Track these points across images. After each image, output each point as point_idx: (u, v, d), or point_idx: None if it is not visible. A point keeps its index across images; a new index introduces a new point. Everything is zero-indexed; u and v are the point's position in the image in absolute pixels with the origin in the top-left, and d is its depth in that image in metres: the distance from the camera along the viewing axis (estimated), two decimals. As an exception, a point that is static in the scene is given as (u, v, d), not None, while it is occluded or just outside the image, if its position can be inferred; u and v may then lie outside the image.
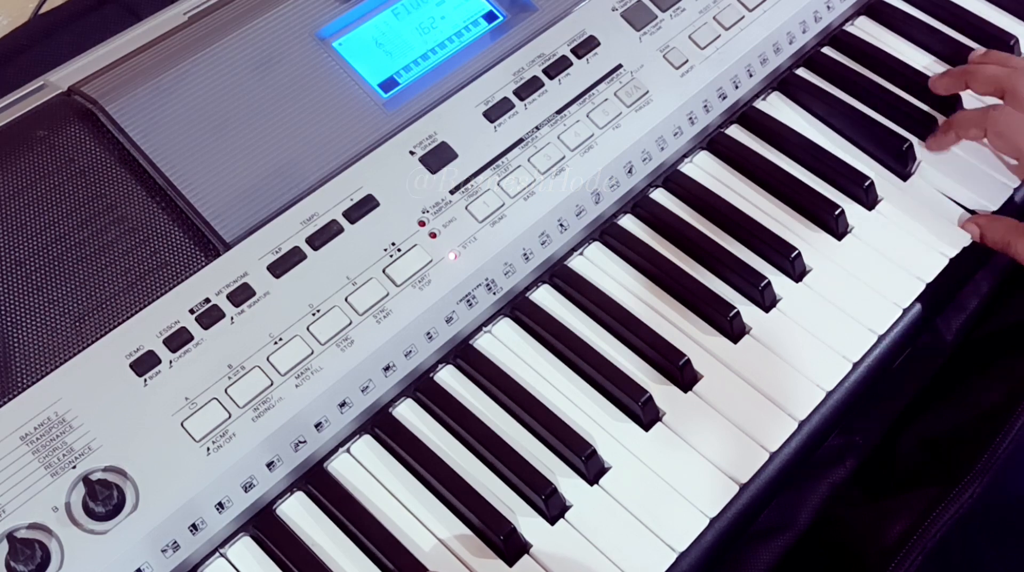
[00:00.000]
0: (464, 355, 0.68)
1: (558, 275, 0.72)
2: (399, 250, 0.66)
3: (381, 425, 0.65)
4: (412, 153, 0.69)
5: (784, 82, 0.83)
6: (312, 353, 0.62)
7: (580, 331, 0.69)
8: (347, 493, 0.63)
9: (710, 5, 0.79)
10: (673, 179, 0.77)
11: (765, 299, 0.71)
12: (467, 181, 0.69)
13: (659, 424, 0.66)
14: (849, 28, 0.87)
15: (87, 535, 0.56)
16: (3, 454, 0.56)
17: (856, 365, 0.69)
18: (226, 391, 0.60)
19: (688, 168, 0.78)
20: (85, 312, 0.61)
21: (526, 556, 0.61)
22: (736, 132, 0.80)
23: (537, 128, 0.72)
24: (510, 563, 0.61)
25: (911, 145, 0.78)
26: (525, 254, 0.69)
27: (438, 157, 0.69)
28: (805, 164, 0.78)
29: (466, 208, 0.68)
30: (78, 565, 0.55)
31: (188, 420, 0.59)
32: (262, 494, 0.61)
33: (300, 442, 0.62)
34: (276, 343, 0.62)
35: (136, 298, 0.62)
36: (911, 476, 0.70)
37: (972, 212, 0.76)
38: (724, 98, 0.78)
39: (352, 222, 0.66)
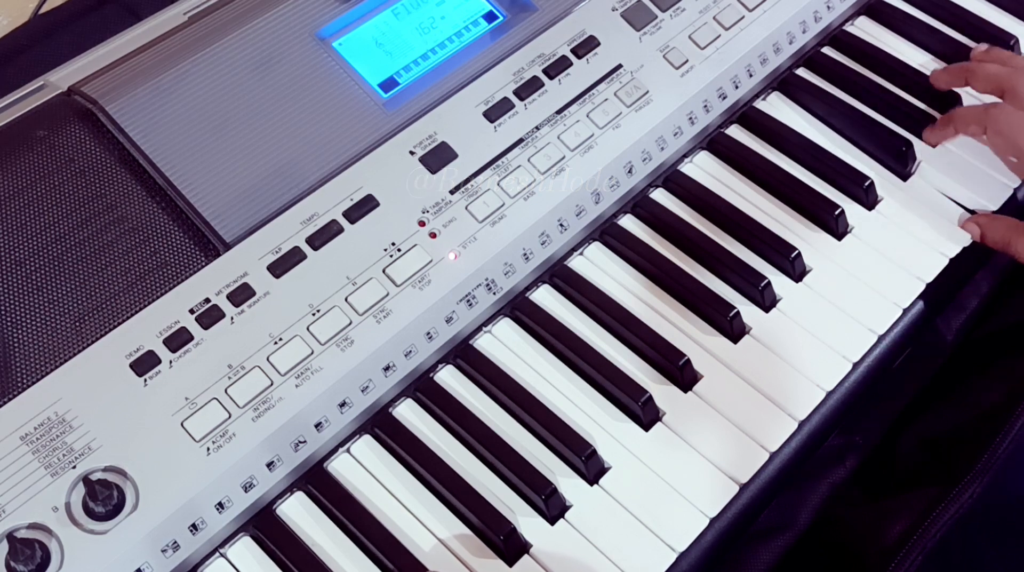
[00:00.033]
0: (464, 355, 0.68)
1: (558, 275, 0.72)
2: (399, 250, 0.66)
3: (381, 425, 0.65)
4: (412, 153, 0.69)
5: (784, 82, 0.83)
6: (312, 353, 0.62)
7: (580, 331, 0.69)
8: (347, 493, 0.63)
9: (710, 5, 0.79)
10: (673, 179, 0.77)
11: (765, 299, 0.71)
12: (467, 181, 0.69)
13: (659, 424, 0.66)
14: (849, 28, 0.87)
15: (87, 535, 0.56)
16: (3, 454, 0.56)
17: (856, 365, 0.69)
18: (226, 391, 0.60)
19: (688, 168, 0.78)
20: (85, 312, 0.61)
21: (526, 556, 0.61)
22: (736, 132, 0.80)
23: (537, 128, 0.72)
24: (510, 563, 0.60)
25: (911, 145, 0.78)
26: (525, 254, 0.69)
27: (438, 157, 0.69)
28: (805, 164, 0.78)
29: (466, 208, 0.68)
30: (78, 565, 0.55)
31: (188, 420, 0.59)
32: (262, 494, 0.61)
33: (300, 442, 0.62)
34: (276, 343, 0.62)
35: (136, 298, 0.62)
36: (911, 476, 0.70)
37: (972, 212, 0.76)
38: (724, 98, 0.78)
39: (352, 222, 0.66)
